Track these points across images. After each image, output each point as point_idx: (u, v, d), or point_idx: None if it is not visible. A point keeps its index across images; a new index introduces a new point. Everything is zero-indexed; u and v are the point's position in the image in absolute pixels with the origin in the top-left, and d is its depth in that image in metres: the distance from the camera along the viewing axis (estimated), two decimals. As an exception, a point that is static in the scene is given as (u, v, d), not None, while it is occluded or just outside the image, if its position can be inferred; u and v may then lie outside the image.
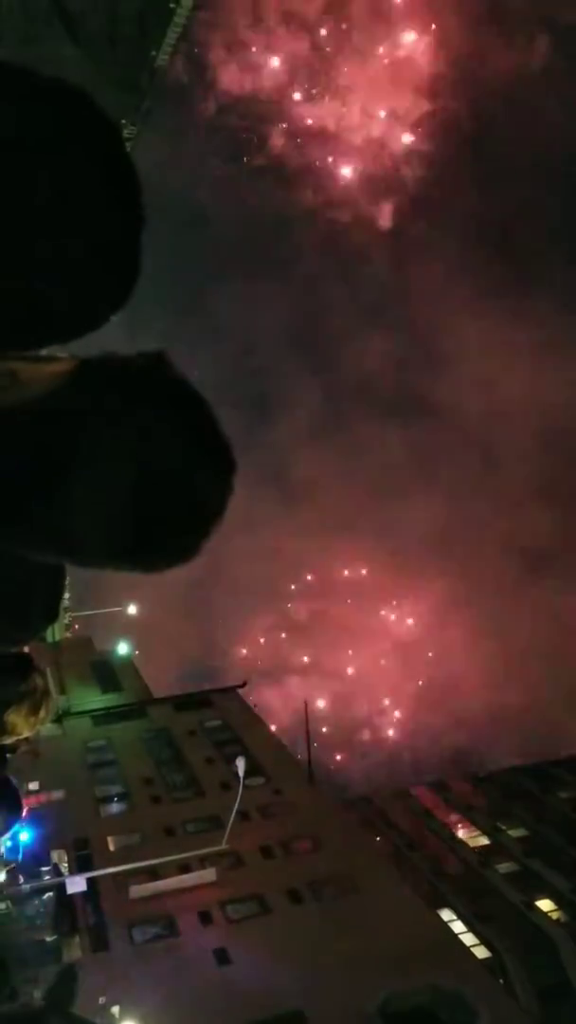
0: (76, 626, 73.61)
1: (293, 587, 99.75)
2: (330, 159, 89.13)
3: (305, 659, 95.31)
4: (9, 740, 3.36)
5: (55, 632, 64.46)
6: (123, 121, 46.94)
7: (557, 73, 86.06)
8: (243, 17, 76.88)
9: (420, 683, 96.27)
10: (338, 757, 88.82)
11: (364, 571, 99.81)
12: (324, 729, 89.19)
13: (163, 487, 1.07)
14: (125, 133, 47.50)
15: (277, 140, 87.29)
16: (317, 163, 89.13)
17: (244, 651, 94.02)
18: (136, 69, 46.85)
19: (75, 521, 1.07)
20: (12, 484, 1.06)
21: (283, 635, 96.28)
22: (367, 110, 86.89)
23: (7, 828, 4.10)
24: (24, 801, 4.33)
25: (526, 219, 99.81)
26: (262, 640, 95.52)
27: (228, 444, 1.12)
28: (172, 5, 44.54)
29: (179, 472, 1.07)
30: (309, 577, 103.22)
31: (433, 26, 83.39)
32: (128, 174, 1.11)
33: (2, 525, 1.09)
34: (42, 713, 3.27)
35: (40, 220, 1.05)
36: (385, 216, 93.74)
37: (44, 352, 1.20)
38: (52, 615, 1.78)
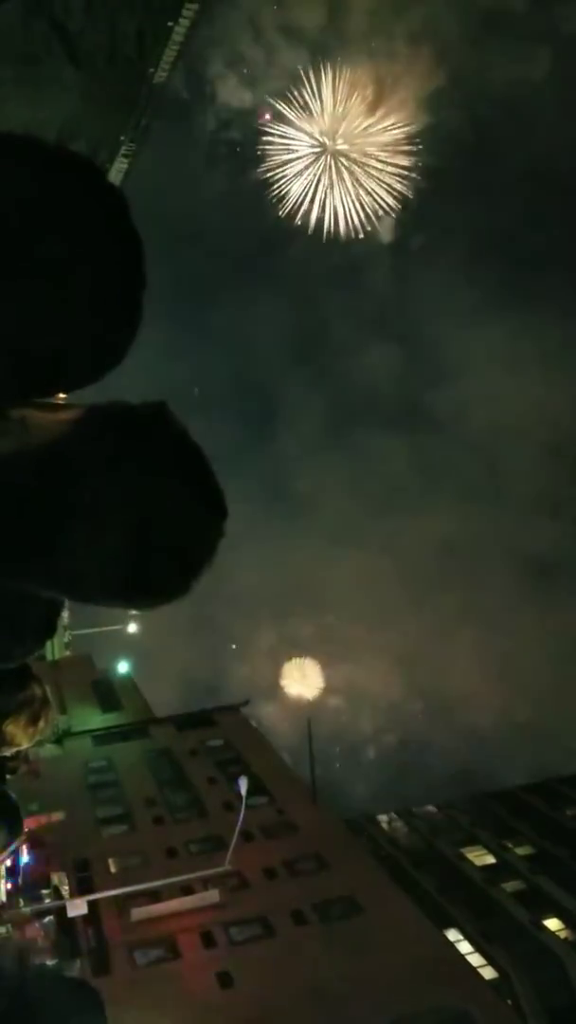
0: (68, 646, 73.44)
1: (296, 602, 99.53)
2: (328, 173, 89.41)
3: (308, 675, 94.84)
4: (7, 752, 3.24)
5: (54, 650, 64.33)
6: (122, 138, 47.37)
7: (558, 85, 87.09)
8: (242, 33, 77.72)
9: (425, 700, 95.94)
10: (337, 766, 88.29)
11: (368, 590, 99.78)
12: (327, 746, 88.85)
13: (159, 532, 1.14)
14: (124, 150, 47.88)
15: (276, 154, 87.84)
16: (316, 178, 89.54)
17: (246, 668, 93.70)
18: (135, 87, 47.30)
19: (75, 561, 1.13)
20: (18, 524, 1.12)
21: (286, 651, 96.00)
22: (366, 124, 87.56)
23: (7, 846, 3.96)
24: (24, 822, 4.18)
25: (528, 232, 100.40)
26: (265, 656, 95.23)
27: (221, 492, 1.20)
28: (170, 24, 45.00)
29: (175, 518, 1.16)
30: (311, 594, 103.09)
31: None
32: (130, 237, 1.19)
33: (6, 563, 1.16)
34: (41, 723, 3.18)
35: (49, 282, 1.14)
36: (386, 230, 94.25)
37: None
38: (49, 631, 1.79)
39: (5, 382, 1.19)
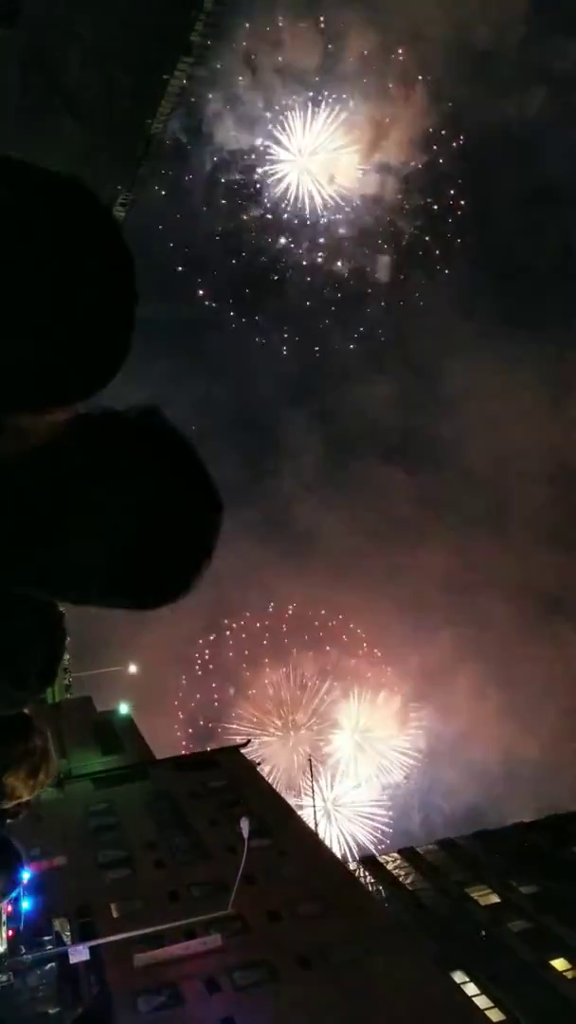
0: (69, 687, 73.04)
1: (298, 638, 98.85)
2: (325, 213, 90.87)
3: (310, 712, 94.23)
4: (8, 804, 3.27)
5: (55, 693, 63.92)
6: (119, 187, 48.18)
7: (552, 119, 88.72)
8: (240, 74, 78.96)
9: (429, 737, 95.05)
10: (341, 805, 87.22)
11: (370, 624, 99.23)
12: (331, 786, 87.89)
13: (156, 530, 1.21)
14: (121, 198, 48.66)
15: (274, 193, 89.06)
16: (312, 218, 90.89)
17: (248, 707, 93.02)
18: (132, 138, 48.15)
19: (75, 562, 1.21)
20: (18, 526, 1.19)
21: (287, 688, 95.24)
22: (362, 164, 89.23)
23: (7, 893, 3.97)
24: (25, 867, 4.20)
25: (525, 262, 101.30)
26: (267, 694, 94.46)
27: (215, 488, 1.27)
28: (165, 77, 45.90)
29: (171, 515, 1.23)
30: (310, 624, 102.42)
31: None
32: (122, 255, 1.24)
33: (6, 565, 1.22)
34: (42, 776, 3.18)
35: (44, 300, 1.17)
36: (383, 266, 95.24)
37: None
38: (50, 674, 1.86)
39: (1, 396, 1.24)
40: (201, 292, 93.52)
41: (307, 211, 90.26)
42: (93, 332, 1.22)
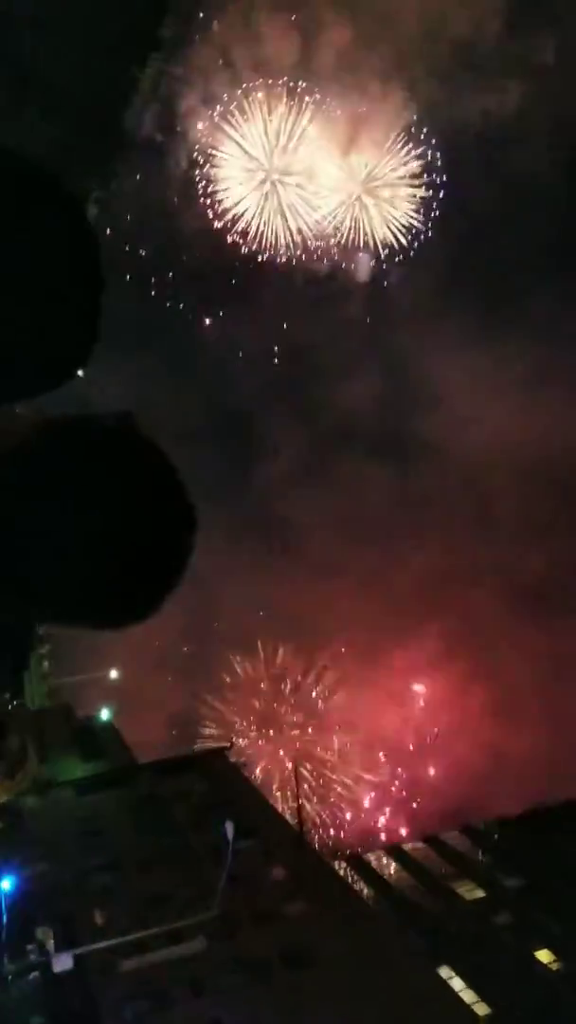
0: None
1: (282, 637, 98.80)
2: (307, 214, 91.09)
3: (295, 711, 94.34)
4: None
5: (35, 700, 63.71)
6: (92, 187, 47.99)
7: (533, 114, 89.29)
8: (215, 71, 78.82)
9: (415, 733, 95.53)
10: (326, 804, 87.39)
11: (355, 621, 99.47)
12: (316, 785, 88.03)
13: (128, 546, 1.12)
14: (94, 196, 48.49)
15: (251, 189, 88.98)
16: (290, 214, 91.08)
17: (231, 708, 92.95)
18: (103, 135, 48.03)
19: (36, 576, 1.10)
20: None
21: (272, 688, 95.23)
22: (340, 167, 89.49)
23: None
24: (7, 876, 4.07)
25: (508, 257, 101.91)
26: (250, 694, 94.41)
27: (191, 504, 1.18)
28: (139, 74, 45.81)
29: (142, 533, 1.13)
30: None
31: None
32: (89, 244, 1.18)
33: None
34: (19, 776, 3.09)
35: (10, 288, 1.09)
36: (362, 263, 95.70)
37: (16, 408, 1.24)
38: (21, 664, 1.73)
39: None
40: (177, 289, 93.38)
41: (284, 206, 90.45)
42: (57, 319, 1.13)
